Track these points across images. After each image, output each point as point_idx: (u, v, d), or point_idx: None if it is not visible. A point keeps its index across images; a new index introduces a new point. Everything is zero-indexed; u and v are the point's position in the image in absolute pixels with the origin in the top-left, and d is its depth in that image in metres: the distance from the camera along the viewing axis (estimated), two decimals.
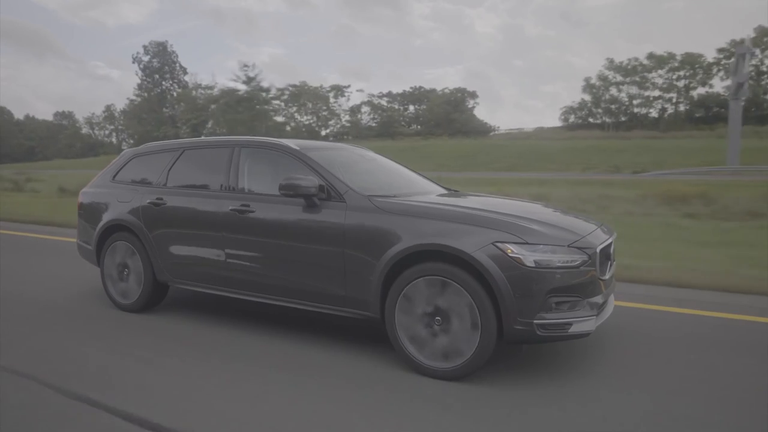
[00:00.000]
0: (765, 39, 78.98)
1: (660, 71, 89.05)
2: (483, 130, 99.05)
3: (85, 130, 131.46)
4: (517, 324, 4.23)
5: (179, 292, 7.03)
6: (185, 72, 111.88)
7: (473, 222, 4.50)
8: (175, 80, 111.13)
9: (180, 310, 6.48)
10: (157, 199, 6.21)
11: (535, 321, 4.22)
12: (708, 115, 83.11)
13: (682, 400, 4.07)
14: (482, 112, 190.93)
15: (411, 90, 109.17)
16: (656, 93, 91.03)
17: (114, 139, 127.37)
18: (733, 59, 49.74)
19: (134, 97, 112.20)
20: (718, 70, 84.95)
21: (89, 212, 6.98)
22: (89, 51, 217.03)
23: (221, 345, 5.34)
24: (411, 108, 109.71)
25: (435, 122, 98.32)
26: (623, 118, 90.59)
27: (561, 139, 74.39)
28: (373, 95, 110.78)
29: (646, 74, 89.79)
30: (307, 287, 5.17)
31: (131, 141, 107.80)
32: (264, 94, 40.51)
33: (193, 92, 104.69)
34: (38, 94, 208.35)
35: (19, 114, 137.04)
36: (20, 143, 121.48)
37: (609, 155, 52.84)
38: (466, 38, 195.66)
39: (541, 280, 4.21)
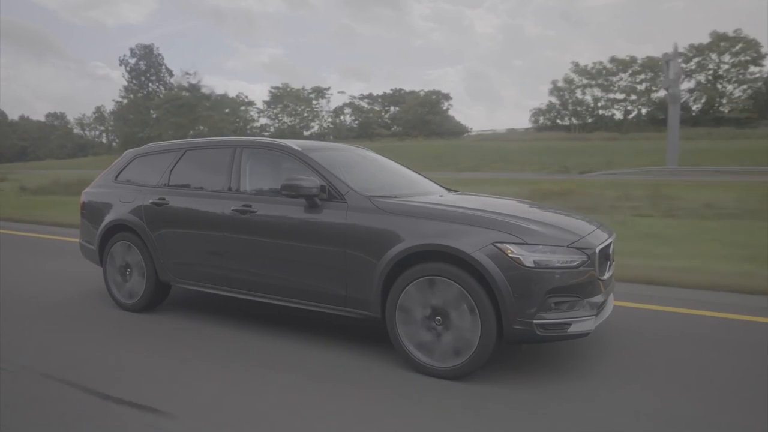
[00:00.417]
0: (722, 44, 79.77)
1: (622, 75, 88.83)
2: (458, 131, 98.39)
3: (76, 131, 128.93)
4: (517, 324, 4.07)
5: (182, 292, 6.78)
6: (171, 74, 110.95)
7: (473, 222, 4.34)
8: (161, 82, 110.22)
9: (182, 310, 6.25)
10: (159, 199, 5.97)
11: (534, 321, 4.06)
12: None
13: (681, 399, 3.92)
14: (482, 112, 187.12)
15: (392, 92, 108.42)
16: (620, 96, 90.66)
17: (104, 140, 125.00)
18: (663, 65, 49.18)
19: (120, 99, 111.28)
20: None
21: (92, 212, 6.72)
22: (89, 51, 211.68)
23: (223, 344, 5.15)
24: (393, 110, 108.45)
25: (412, 124, 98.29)
26: (589, 120, 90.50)
27: (527, 140, 74.06)
28: (354, 97, 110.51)
29: (610, 77, 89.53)
30: (308, 287, 4.98)
31: (119, 141, 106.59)
32: (206, 102, 40.12)
33: (183, 94, 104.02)
34: (38, 94, 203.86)
35: (14, 115, 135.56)
36: (14, 144, 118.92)
37: (565, 156, 52.51)
38: (466, 38, 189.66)
39: (541, 280, 4.06)
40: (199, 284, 5.76)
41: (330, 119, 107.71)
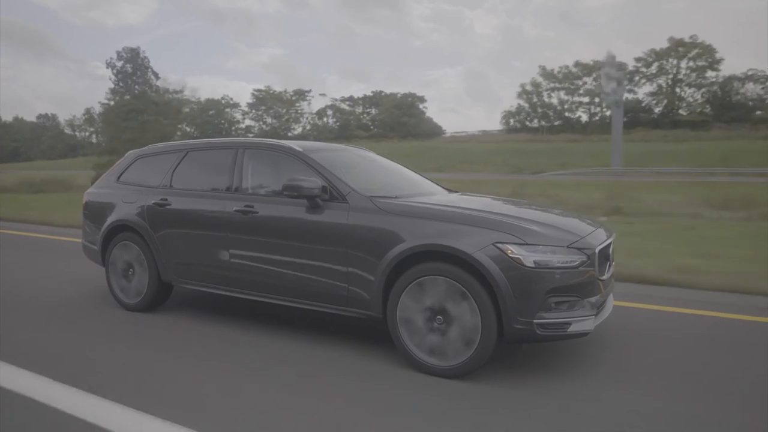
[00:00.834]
0: (679, 49, 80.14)
1: (587, 78, 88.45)
2: (434, 133, 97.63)
3: (68, 132, 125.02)
4: (517, 323, 3.90)
5: (184, 292, 6.52)
6: (157, 77, 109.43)
7: (474, 223, 4.17)
8: (147, 85, 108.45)
9: (184, 310, 5.98)
10: (161, 199, 5.72)
11: (534, 320, 3.89)
12: (634, 118, 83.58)
13: (681, 399, 3.74)
14: (482, 113, 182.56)
15: (372, 94, 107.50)
16: (585, 99, 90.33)
17: (95, 140, 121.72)
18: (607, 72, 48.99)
19: (107, 101, 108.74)
20: (639, 78, 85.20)
21: (94, 213, 6.44)
22: (89, 51, 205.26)
23: (225, 344, 4.92)
24: (374, 111, 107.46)
25: (390, 126, 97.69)
26: (556, 122, 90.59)
27: (496, 142, 74.18)
28: (336, 99, 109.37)
29: (576, 81, 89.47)
30: (309, 287, 4.76)
31: (105, 142, 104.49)
32: (153, 107, 39.40)
33: (167, 96, 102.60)
34: (38, 94, 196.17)
35: (9, 116, 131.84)
36: (6, 144, 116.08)
37: (527, 157, 52.65)
38: (466, 39, 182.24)
39: (541, 280, 3.89)
40: (201, 284, 5.52)
41: (311, 121, 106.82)
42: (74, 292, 6.83)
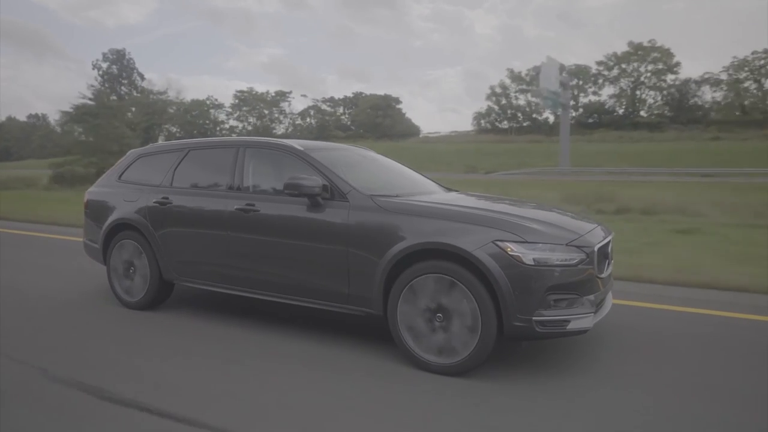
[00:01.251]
0: (639, 52, 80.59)
1: None
2: (411, 133, 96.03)
3: (58, 131, 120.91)
4: (517, 321, 3.72)
5: (185, 290, 6.21)
6: (142, 78, 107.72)
7: (474, 221, 3.98)
8: (132, 86, 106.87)
9: (185, 308, 5.70)
10: (162, 198, 5.44)
11: (534, 318, 3.71)
12: (599, 120, 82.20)
13: (680, 397, 3.56)
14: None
15: (352, 95, 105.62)
16: None
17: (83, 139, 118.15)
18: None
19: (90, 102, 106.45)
20: (603, 81, 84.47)
21: (95, 211, 6.13)
22: (89, 51, 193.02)
23: (225, 342, 4.68)
24: (352, 112, 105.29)
25: (367, 126, 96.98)
26: (525, 124, 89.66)
27: (464, 142, 73.40)
28: (317, 100, 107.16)
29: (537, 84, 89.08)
30: (311, 285, 4.54)
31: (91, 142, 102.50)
32: (107, 111, 38.97)
33: (151, 97, 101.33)
34: (38, 94, 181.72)
35: (4, 115, 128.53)
36: None
37: (488, 157, 51.66)
38: (466, 39, 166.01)
39: (540, 277, 3.72)
40: (202, 282, 5.26)
41: (291, 121, 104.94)
42: (65, 289, 6.57)
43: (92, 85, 40.84)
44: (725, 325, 5.13)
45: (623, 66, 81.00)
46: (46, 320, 5.31)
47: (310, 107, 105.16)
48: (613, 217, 12.80)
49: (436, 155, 54.92)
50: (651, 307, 5.67)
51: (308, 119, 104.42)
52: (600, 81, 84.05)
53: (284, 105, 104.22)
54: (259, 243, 4.80)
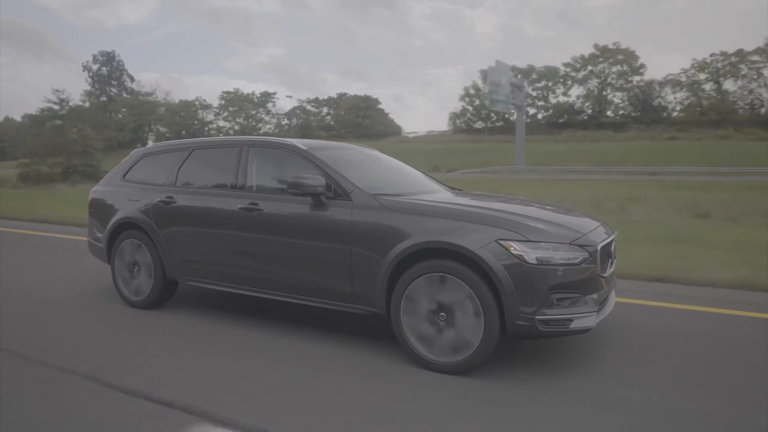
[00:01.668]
0: (605, 54, 79.78)
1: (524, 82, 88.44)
2: (390, 133, 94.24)
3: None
4: (520, 320, 3.50)
5: (189, 289, 5.93)
6: (132, 80, 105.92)
7: (477, 220, 3.76)
8: (122, 87, 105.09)
9: (189, 307, 5.41)
10: (166, 197, 5.15)
11: (536, 317, 3.49)
12: (569, 120, 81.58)
13: (683, 395, 3.37)
14: None
15: (336, 96, 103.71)
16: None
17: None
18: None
19: (81, 103, 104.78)
20: (571, 82, 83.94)
21: (100, 210, 5.82)
22: (89, 51, 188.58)
23: (229, 340, 4.43)
24: (334, 113, 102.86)
25: (348, 126, 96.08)
26: (498, 124, 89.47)
27: (436, 142, 72.35)
28: (302, 101, 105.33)
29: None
30: (314, 284, 4.29)
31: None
32: (72, 113, 38.97)
33: (140, 98, 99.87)
34: (38, 93, 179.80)
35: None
36: None
37: (453, 156, 51.12)
38: (466, 38, 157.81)
39: (543, 276, 3.50)
40: (206, 281, 4.98)
41: (276, 121, 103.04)
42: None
43: (57, 90, 40.68)
44: (718, 322, 4.94)
45: (591, 68, 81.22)
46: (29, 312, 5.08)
47: (296, 107, 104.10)
48: None
49: (406, 154, 54.10)
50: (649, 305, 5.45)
51: (294, 119, 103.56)
52: (568, 82, 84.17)
53: (270, 105, 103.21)
54: (262, 242, 4.54)
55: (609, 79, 79.84)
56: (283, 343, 4.37)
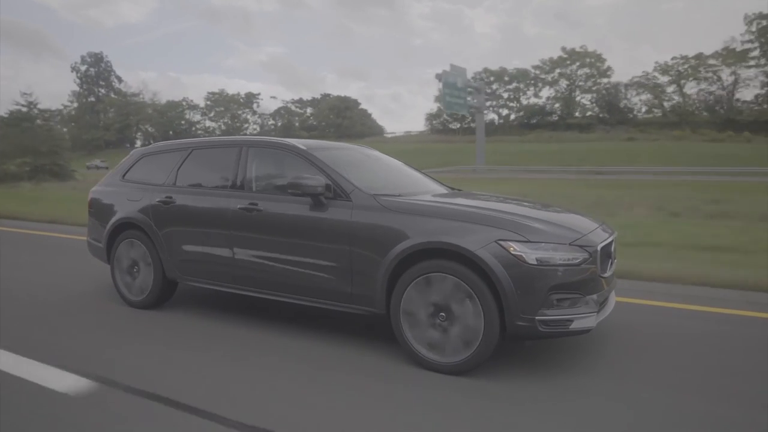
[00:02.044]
0: (573, 57, 79.80)
1: (496, 84, 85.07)
2: (371, 133, 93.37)
3: None
4: (519, 320, 3.31)
5: (188, 289, 5.68)
6: (119, 80, 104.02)
7: (476, 220, 3.55)
8: (110, 88, 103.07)
9: (189, 307, 5.15)
10: (166, 197, 4.89)
11: (536, 317, 3.31)
12: (540, 121, 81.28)
13: (683, 395, 3.21)
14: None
15: (320, 97, 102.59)
16: (493, 102, 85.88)
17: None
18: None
19: (68, 103, 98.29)
20: (542, 84, 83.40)
21: (99, 210, 5.53)
22: (88, 50, 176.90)
23: (229, 340, 4.20)
24: (314, 113, 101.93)
25: (329, 127, 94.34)
26: (472, 124, 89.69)
27: (411, 142, 71.85)
28: (286, 101, 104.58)
29: (488, 87, 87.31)
30: (313, 284, 4.05)
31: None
32: (38, 120, 39.12)
33: (126, 99, 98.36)
34: (38, 93, 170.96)
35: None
36: None
37: (421, 156, 48.41)
38: (466, 38, 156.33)
39: (543, 277, 3.32)
40: (205, 282, 4.72)
41: (264, 121, 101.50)
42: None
43: (25, 93, 40.37)
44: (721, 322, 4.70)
45: (560, 70, 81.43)
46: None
47: (280, 108, 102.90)
48: None
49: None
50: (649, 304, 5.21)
51: (278, 119, 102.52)
52: (539, 84, 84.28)
53: (255, 106, 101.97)
54: (261, 242, 4.29)
55: (578, 82, 79.99)
56: (282, 343, 4.14)
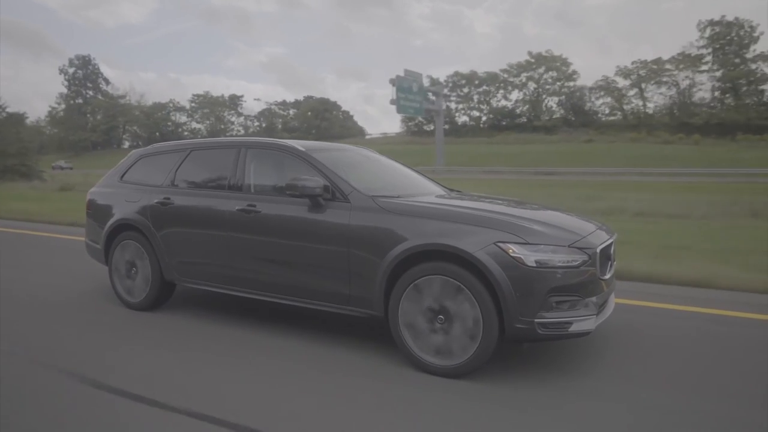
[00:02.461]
0: (539, 60, 78.95)
1: (469, 88, 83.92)
2: (350, 135, 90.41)
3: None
4: (519, 323, 3.10)
5: (186, 291, 5.34)
6: (107, 83, 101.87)
7: (475, 222, 3.34)
8: (97, 90, 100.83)
9: (186, 309, 4.86)
10: (164, 198, 4.60)
11: (535, 320, 3.10)
12: (509, 123, 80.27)
13: (683, 396, 3.04)
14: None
15: (303, 99, 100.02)
16: (464, 105, 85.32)
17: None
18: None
19: (56, 105, 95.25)
20: (510, 87, 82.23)
21: (97, 212, 5.20)
22: (89, 51, 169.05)
23: (227, 342, 3.96)
24: (295, 114, 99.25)
25: (310, 128, 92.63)
26: (446, 126, 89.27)
27: (386, 143, 69.60)
28: (269, 103, 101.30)
29: (462, 90, 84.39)
30: (312, 286, 3.80)
31: (54, 144, 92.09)
32: (11, 117, 39.29)
33: (120, 101, 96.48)
34: (38, 93, 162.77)
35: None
36: None
37: (395, 157, 51.26)
38: (466, 38, 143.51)
39: (542, 279, 3.12)
40: (203, 283, 4.44)
41: (250, 123, 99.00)
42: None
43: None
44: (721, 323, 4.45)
45: (525, 74, 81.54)
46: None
47: (264, 109, 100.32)
48: None
49: None
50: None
51: (262, 120, 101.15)
52: (508, 87, 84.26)
53: (239, 108, 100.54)
54: (260, 244, 4.01)
55: (545, 85, 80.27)
56: (281, 345, 3.88)
